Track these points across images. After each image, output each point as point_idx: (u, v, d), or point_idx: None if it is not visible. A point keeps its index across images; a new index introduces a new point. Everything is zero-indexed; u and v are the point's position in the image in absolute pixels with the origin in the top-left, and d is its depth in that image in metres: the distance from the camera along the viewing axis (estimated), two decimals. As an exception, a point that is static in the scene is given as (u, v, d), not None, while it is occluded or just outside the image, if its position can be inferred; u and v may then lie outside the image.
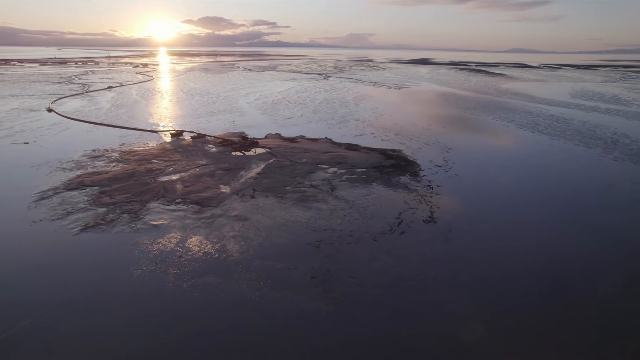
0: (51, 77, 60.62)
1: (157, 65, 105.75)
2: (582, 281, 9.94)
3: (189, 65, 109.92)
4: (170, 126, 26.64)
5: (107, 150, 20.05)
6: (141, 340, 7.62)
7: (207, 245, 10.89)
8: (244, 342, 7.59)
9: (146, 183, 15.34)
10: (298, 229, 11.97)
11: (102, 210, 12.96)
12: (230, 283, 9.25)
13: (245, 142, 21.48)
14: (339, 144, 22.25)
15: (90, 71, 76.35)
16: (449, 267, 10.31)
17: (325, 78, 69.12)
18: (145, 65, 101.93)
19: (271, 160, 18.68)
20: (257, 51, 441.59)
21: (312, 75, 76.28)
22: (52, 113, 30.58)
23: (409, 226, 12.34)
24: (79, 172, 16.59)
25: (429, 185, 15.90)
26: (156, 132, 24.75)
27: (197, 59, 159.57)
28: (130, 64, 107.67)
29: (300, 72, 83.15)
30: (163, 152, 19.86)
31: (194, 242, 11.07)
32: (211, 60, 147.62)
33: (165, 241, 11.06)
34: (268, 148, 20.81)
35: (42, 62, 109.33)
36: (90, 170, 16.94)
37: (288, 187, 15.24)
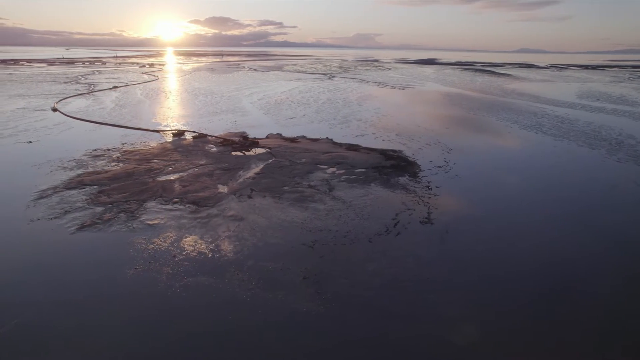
0: (58, 77, 61.18)
1: (163, 65, 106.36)
2: (581, 282, 9.80)
3: (195, 65, 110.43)
4: (172, 126, 26.76)
5: (109, 150, 20.16)
6: (131, 340, 7.63)
7: (201, 245, 10.89)
8: (233, 342, 7.58)
9: (145, 182, 15.40)
10: (293, 230, 11.94)
11: (99, 209, 13.02)
12: (222, 283, 9.24)
13: (246, 142, 21.50)
14: (340, 144, 22.19)
15: (97, 71, 76.97)
16: (444, 268, 10.22)
17: (329, 78, 69.06)
18: (151, 65, 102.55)
19: (270, 161, 18.67)
20: (263, 51, 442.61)
21: (317, 75, 76.26)
22: (57, 113, 30.84)
23: (405, 227, 12.26)
24: (79, 172, 16.70)
25: (428, 186, 15.80)
26: (158, 131, 24.86)
27: (203, 59, 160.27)
28: (137, 63, 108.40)
29: (305, 72, 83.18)
30: (163, 151, 19.94)
31: (189, 241, 11.08)
32: (217, 60, 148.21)
33: (160, 241, 11.09)
34: (268, 148, 20.81)
35: (50, 62, 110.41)
36: (90, 169, 17.04)
37: (286, 188, 15.22)
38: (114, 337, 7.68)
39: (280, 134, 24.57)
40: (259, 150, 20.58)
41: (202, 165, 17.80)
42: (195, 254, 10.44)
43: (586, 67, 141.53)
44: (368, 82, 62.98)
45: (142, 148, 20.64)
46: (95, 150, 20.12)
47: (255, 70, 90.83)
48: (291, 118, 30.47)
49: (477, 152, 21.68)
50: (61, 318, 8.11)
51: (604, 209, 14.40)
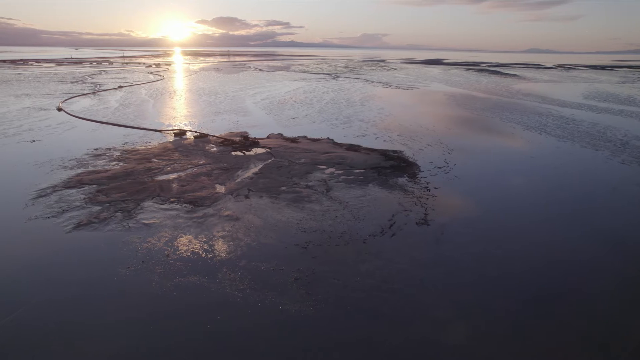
0: (65, 77, 61.78)
1: (169, 65, 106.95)
2: (578, 286, 9.65)
3: (201, 65, 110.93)
4: (175, 125, 26.89)
5: (110, 149, 20.30)
6: (117, 338, 7.65)
7: (195, 245, 10.91)
8: (219, 343, 7.57)
9: (143, 182, 15.47)
10: (288, 230, 11.92)
11: (96, 208, 13.11)
12: (213, 283, 9.24)
13: (246, 142, 21.52)
14: (340, 145, 22.14)
15: (104, 71, 77.62)
16: (438, 270, 10.13)
17: (334, 78, 69.00)
18: (157, 65, 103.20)
19: (270, 161, 18.67)
20: (270, 51, 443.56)
21: (322, 75, 76.23)
22: (62, 112, 31.12)
23: (400, 228, 12.18)
24: (79, 171, 16.83)
25: (426, 187, 15.70)
26: (160, 131, 24.99)
27: (210, 59, 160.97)
28: (144, 63, 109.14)
29: (310, 72, 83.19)
30: (164, 151, 20.03)
31: (183, 241, 11.11)
32: (224, 60, 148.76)
33: (155, 240, 11.12)
34: (268, 148, 20.82)
35: (59, 62, 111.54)
36: (90, 168, 17.16)
37: (283, 188, 15.21)
38: (101, 335, 7.71)
39: (282, 134, 24.58)
40: (259, 150, 20.60)
41: (201, 165, 17.85)
42: (188, 254, 10.46)
43: (595, 67, 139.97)
44: (373, 82, 62.82)
45: (143, 147, 20.75)
46: (96, 149, 20.27)
47: (260, 70, 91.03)
48: (293, 118, 30.47)
49: (478, 153, 21.51)
50: (53, 316, 8.15)
51: (604, 211, 14.20)
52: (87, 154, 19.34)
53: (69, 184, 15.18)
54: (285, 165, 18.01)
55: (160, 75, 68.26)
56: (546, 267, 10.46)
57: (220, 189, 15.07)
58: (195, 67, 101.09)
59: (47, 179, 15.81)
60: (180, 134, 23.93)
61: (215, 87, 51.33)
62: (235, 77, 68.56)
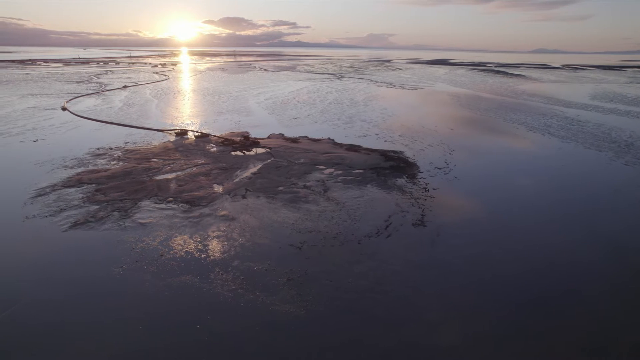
0: (71, 77, 62.32)
1: (175, 65, 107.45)
2: (575, 289, 9.51)
3: (207, 65, 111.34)
4: (177, 125, 26.99)
5: (111, 149, 20.41)
6: (105, 339, 7.66)
7: (189, 245, 10.92)
8: (207, 343, 7.55)
9: (142, 181, 15.53)
10: (283, 230, 11.89)
11: (94, 207, 13.17)
12: (205, 283, 9.24)
13: (246, 142, 21.54)
14: (341, 145, 22.08)
15: (110, 71, 78.19)
16: (432, 272, 10.05)
17: (339, 78, 68.94)
18: (163, 65, 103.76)
19: (269, 161, 18.67)
20: (276, 51, 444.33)
21: (327, 75, 76.20)
22: (66, 112, 31.38)
23: (396, 229, 12.11)
24: (79, 170, 16.93)
25: (425, 188, 15.59)
26: (162, 131, 25.10)
27: (216, 59, 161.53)
28: (150, 63, 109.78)
29: (315, 72, 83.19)
30: (164, 151, 20.10)
31: (178, 241, 11.12)
32: (230, 60, 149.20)
33: (150, 239, 11.15)
34: (268, 148, 20.82)
35: (66, 62, 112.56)
36: (90, 167, 17.26)
37: (281, 188, 15.19)
38: (86, 335, 7.72)
39: (283, 134, 24.58)
40: (259, 150, 20.61)
41: (200, 164, 17.89)
42: (182, 254, 10.47)
43: (603, 67, 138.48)
44: (377, 82, 62.65)
45: (144, 147, 20.84)
46: (98, 149, 20.39)
47: (265, 70, 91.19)
48: (295, 118, 30.46)
49: (479, 154, 21.35)
50: (43, 315, 8.19)
51: (605, 213, 14.00)
52: (88, 154, 19.46)
53: (68, 183, 15.27)
54: (284, 165, 17.99)
55: (166, 75, 68.62)
56: (542, 269, 10.33)
57: (218, 188, 15.08)
58: (201, 67, 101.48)
59: (48, 178, 15.93)
60: (182, 133, 24.02)
61: (220, 87, 51.48)
62: (240, 77, 68.73)
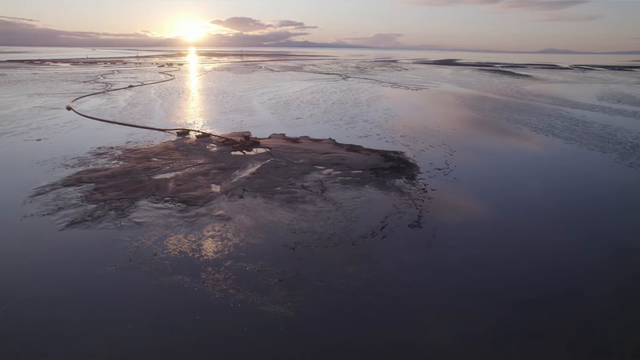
0: (78, 77, 62.90)
1: (182, 65, 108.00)
2: (571, 291, 9.37)
3: (213, 65, 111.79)
4: (179, 125, 27.09)
5: (112, 148, 20.54)
6: (94, 339, 7.69)
7: (183, 244, 10.94)
8: (194, 343, 7.55)
9: (140, 181, 15.60)
10: (278, 231, 11.87)
11: (91, 206, 13.25)
12: (197, 283, 9.24)
13: (247, 141, 21.57)
14: (341, 145, 22.02)
15: (117, 70, 78.80)
16: (425, 274, 9.97)
17: (344, 79, 68.84)
18: (170, 65, 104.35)
19: (268, 161, 18.66)
20: (283, 51, 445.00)
21: (332, 75, 76.14)
22: (71, 111, 31.65)
23: (392, 230, 12.03)
24: (80, 169, 17.06)
25: (423, 189, 15.49)
26: (163, 130, 25.21)
27: (223, 59, 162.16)
28: (157, 63, 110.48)
29: (320, 73, 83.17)
30: (165, 150, 20.18)
31: (172, 240, 11.15)
32: (237, 60, 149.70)
33: (145, 239, 11.19)
34: (268, 148, 20.82)
35: (74, 62, 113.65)
36: (91, 167, 17.38)
37: (278, 188, 15.17)
38: (77, 333, 7.76)
39: (284, 134, 24.57)
40: (260, 150, 20.62)
41: (199, 164, 17.94)
42: (176, 253, 10.49)
43: (612, 67, 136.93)
44: (382, 82, 62.48)
45: (145, 147, 20.95)
46: (99, 148, 20.53)
47: (271, 70, 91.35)
48: (298, 118, 30.45)
49: (480, 154, 21.18)
50: (34, 314, 8.24)
51: (605, 215, 13.80)
52: (89, 153, 19.60)
53: (67, 182, 15.39)
54: (283, 165, 17.98)
55: (171, 75, 69.01)
56: (538, 271, 10.20)
57: (216, 188, 15.11)
58: (208, 67, 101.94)
59: (48, 177, 16.06)
60: (183, 133, 24.11)
61: (224, 87, 51.65)
62: (245, 77, 68.90)
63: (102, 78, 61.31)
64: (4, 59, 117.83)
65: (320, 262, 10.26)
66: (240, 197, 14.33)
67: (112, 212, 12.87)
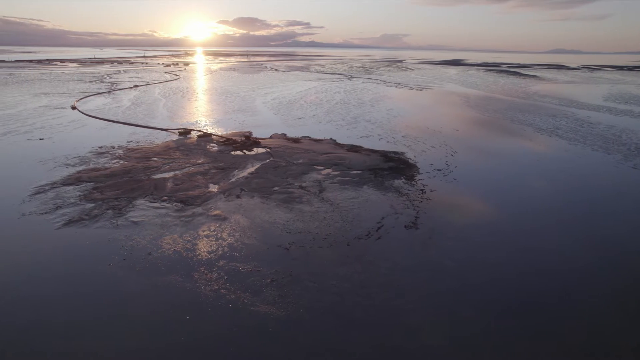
0: (85, 76, 63.43)
1: (188, 64, 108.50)
2: (568, 295, 9.23)
3: (219, 65, 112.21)
4: (181, 124, 27.20)
5: (113, 147, 20.67)
6: (85, 338, 7.71)
7: (178, 244, 10.96)
8: (182, 344, 7.54)
9: (139, 180, 15.67)
10: (273, 231, 11.86)
11: (89, 205, 13.33)
12: (188, 283, 9.25)
13: (247, 141, 21.59)
14: (342, 145, 21.97)
15: (123, 70, 79.37)
16: (420, 275, 9.89)
17: (348, 79, 68.75)
18: (176, 64, 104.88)
19: (267, 161, 18.67)
20: (289, 51, 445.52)
21: (337, 75, 76.08)
22: (75, 110, 31.92)
23: (388, 232, 11.96)
24: (80, 168, 17.17)
25: (422, 190, 15.39)
26: (165, 130, 25.33)
27: (229, 59, 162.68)
28: (163, 63, 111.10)
29: (325, 73, 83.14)
30: (165, 150, 20.26)
31: (167, 240, 11.17)
32: (243, 60, 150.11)
33: (140, 238, 11.22)
34: (268, 148, 20.83)
35: (81, 62, 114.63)
36: (91, 166, 17.49)
37: (276, 188, 15.16)
38: (66, 333, 7.79)
39: (285, 134, 24.58)
40: (260, 150, 20.63)
41: (199, 164, 17.98)
42: (170, 252, 10.51)
43: (621, 67, 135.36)
44: (386, 83, 62.30)
45: (146, 146, 21.05)
46: (100, 147, 20.66)
47: (276, 70, 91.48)
48: (300, 118, 30.44)
49: (482, 156, 21.02)
50: (22, 312, 8.30)
51: (605, 218, 13.62)
52: (91, 152, 19.73)
53: (67, 181, 15.49)
54: (283, 165, 17.96)
55: (177, 75, 69.37)
56: (536, 274, 10.07)
57: (214, 188, 15.13)
58: (214, 67, 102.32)
59: (48, 176, 16.18)
60: (185, 133, 24.20)
61: (229, 87, 51.80)
62: (250, 77, 69.07)
63: (108, 78, 61.78)
64: (13, 59, 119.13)
65: (314, 263, 10.23)
66: (238, 197, 14.33)
67: (110, 211, 12.94)
